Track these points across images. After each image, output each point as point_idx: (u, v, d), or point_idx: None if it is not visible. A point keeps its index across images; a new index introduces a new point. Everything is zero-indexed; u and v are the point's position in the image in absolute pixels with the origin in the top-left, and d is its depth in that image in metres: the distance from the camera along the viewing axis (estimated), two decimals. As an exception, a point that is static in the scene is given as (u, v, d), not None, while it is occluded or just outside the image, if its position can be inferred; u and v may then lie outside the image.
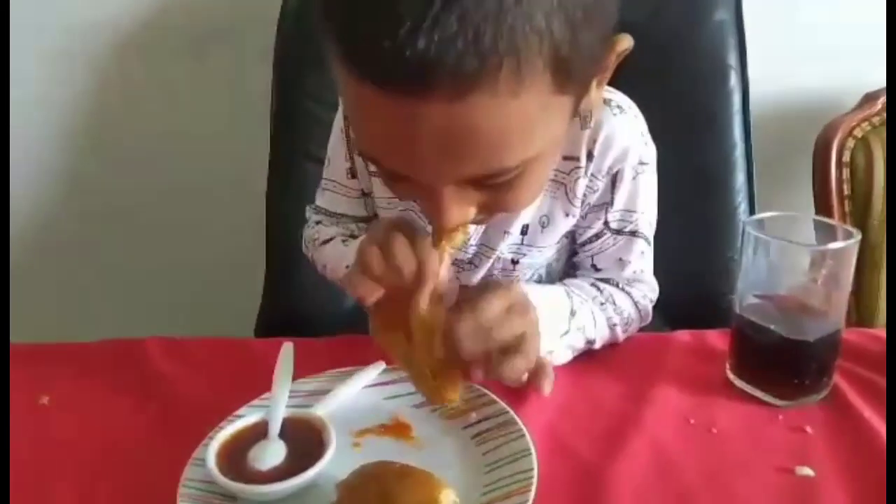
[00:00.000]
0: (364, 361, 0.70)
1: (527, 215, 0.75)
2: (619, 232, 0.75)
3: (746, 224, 0.66)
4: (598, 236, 0.76)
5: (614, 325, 0.73)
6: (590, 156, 0.72)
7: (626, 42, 0.57)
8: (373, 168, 0.78)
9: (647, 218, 0.76)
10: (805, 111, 1.22)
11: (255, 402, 0.64)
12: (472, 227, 0.75)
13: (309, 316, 1.10)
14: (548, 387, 0.59)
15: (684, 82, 1.05)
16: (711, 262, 1.07)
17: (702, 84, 1.05)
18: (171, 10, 1.25)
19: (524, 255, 0.77)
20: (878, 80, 1.14)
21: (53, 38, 1.26)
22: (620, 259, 0.76)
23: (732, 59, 1.05)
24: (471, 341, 0.55)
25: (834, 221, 0.68)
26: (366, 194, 0.83)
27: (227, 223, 1.34)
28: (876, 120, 1.11)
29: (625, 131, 0.72)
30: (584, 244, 0.77)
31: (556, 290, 0.71)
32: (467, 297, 0.58)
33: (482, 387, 0.64)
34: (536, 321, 0.60)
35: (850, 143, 1.11)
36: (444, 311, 0.57)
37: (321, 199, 0.85)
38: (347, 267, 0.73)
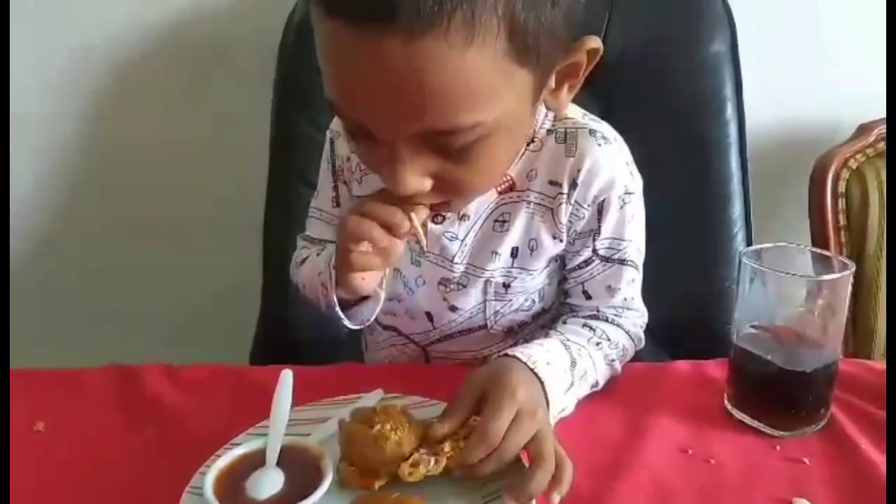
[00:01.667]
0: (362, 389, 0.70)
1: (515, 238, 0.75)
2: (607, 259, 0.76)
3: (743, 255, 0.66)
4: (587, 263, 0.77)
5: (612, 360, 0.74)
6: (573, 184, 0.72)
7: (594, 42, 0.60)
8: (355, 192, 0.80)
9: (635, 246, 0.77)
10: (801, 142, 1.23)
11: (253, 429, 0.64)
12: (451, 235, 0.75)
13: (305, 342, 1.10)
14: (557, 498, 0.56)
15: (681, 113, 1.06)
16: (709, 289, 1.07)
17: (698, 115, 1.07)
18: (172, 34, 1.26)
19: (515, 278, 0.77)
20: (872, 111, 1.15)
21: (53, 59, 1.27)
22: (610, 286, 0.77)
23: (728, 91, 1.07)
24: (487, 467, 0.57)
25: (830, 253, 0.69)
26: None
27: (224, 247, 1.35)
28: (870, 151, 1.13)
29: (610, 161, 0.73)
30: (573, 270, 0.78)
31: (553, 344, 0.70)
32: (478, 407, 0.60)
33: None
34: (545, 416, 0.61)
35: (846, 173, 1.12)
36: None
37: (308, 228, 0.87)
38: (320, 273, 0.74)
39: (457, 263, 0.77)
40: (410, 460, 0.57)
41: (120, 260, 1.39)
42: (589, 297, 0.78)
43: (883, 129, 1.13)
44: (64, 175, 1.35)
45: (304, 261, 0.85)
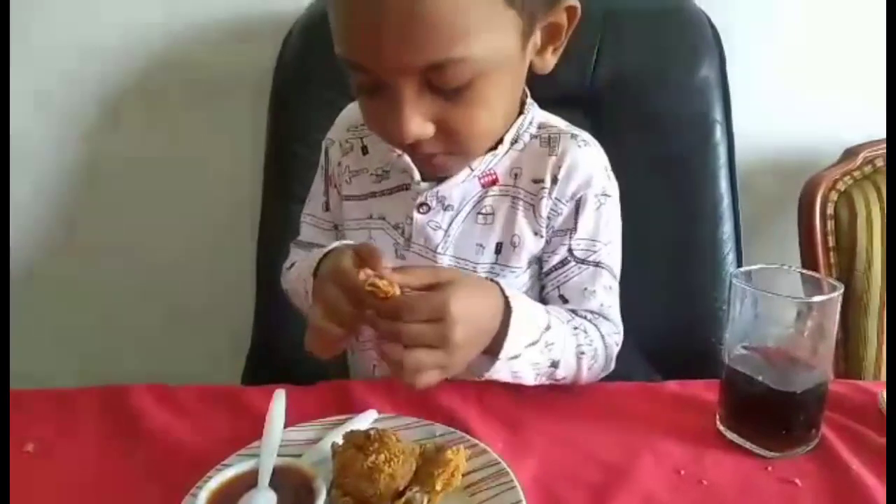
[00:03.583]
0: (356, 409, 0.70)
1: (499, 232, 0.78)
2: (583, 261, 0.78)
3: (733, 276, 0.67)
4: (563, 263, 0.78)
5: (582, 353, 0.74)
6: (554, 180, 0.76)
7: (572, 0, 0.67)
8: (345, 192, 0.83)
9: (610, 251, 0.79)
10: (789, 165, 1.25)
11: (245, 450, 0.63)
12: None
13: (297, 360, 1.09)
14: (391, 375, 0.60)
15: (671, 136, 1.08)
16: (700, 310, 1.08)
17: (688, 138, 1.08)
18: (169, 58, 1.27)
19: (497, 274, 0.78)
20: (858, 135, 1.17)
21: (52, 87, 1.28)
22: (586, 289, 0.78)
23: (717, 114, 1.08)
24: (383, 324, 0.59)
25: (819, 274, 0.70)
26: (336, 227, 0.88)
27: (217, 266, 1.35)
28: (857, 174, 1.14)
29: (589, 161, 0.77)
30: (549, 272, 0.79)
31: (538, 304, 0.73)
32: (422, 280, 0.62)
33: (473, 437, 0.64)
34: (452, 350, 0.60)
35: (834, 196, 1.14)
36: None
37: (301, 233, 0.91)
38: (305, 280, 0.76)
39: (440, 254, 0.78)
40: (403, 500, 0.57)
41: (112, 277, 1.39)
42: (566, 301, 0.79)
43: (869, 152, 1.15)
44: (58, 190, 1.35)
45: (292, 265, 0.87)
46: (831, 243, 1.13)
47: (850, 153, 1.16)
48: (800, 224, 1.15)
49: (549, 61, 0.71)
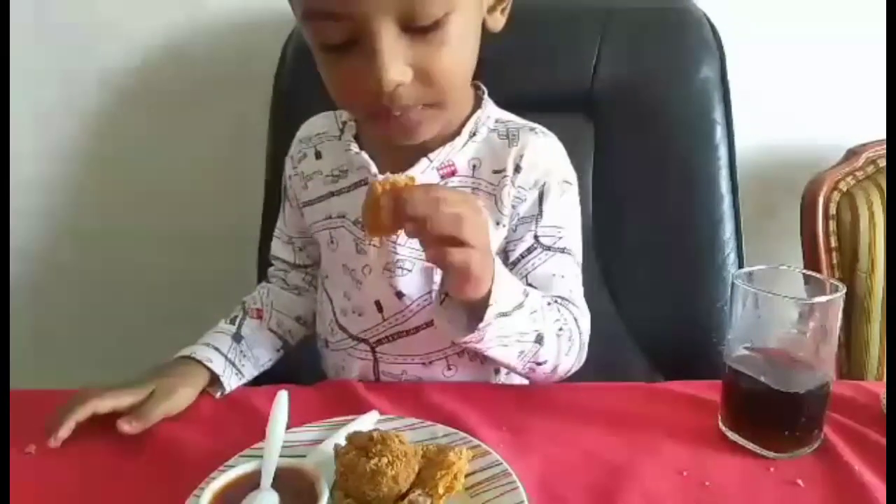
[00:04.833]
0: (358, 410, 0.70)
1: None
2: (549, 248, 0.78)
3: (735, 277, 0.67)
4: (529, 251, 0.78)
5: (560, 330, 0.74)
6: (517, 168, 0.77)
7: None
8: (303, 199, 0.85)
9: (574, 237, 0.80)
10: (791, 165, 1.25)
11: (248, 451, 0.64)
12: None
13: (300, 361, 1.09)
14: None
15: (671, 137, 1.08)
16: (702, 311, 1.08)
17: (688, 139, 1.08)
18: (170, 62, 1.27)
19: None
20: (860, 136, 1.17)
21: (51, 88, 1.28)
22: (554, 275, 0.78)
23: (718, 115, 1.08)
24: (418, 203, 0.59)
25: (821, 275, 0.70)
26: (291, 240, 0.91)
27: (220, 266, 1.35)
28: (860, 174, 1.14)
29: (550, 150, 0.79)
30: (516, 262, 0.78)
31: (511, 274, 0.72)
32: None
33: (475, 438, 0.64)
34: (482, 223, 0.63)
35: (836, 196, 1.13)
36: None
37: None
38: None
39: (399, 245, 0.78)
40: (405, 502, 0.57)
41: (114, 277, 1.39)
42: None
43: (871, 153, 1.15)
44: (58, 190, 1.35)
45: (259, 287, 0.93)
46: (833, 244, 1.13)
47: (852, 153, 1.15)
48: (802, 224, 1.14)
49: (499, 21, 0.73)
